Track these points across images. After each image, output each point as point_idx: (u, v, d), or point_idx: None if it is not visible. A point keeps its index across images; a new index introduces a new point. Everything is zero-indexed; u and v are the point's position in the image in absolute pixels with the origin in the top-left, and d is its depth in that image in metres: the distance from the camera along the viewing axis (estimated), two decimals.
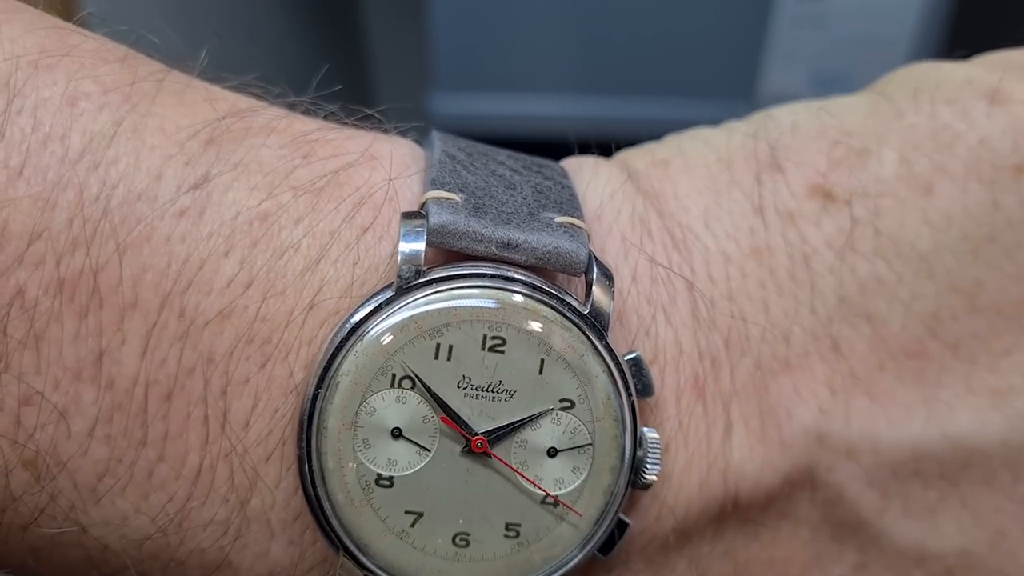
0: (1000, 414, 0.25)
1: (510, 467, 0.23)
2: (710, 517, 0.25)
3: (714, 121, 0.30)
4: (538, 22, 0.92)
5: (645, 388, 0.24)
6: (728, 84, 1.01)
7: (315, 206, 0.24)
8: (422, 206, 0.24)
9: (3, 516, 0.23)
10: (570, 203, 0.26)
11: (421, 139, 0.29)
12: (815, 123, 0.28)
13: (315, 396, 0.23)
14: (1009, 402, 0.25)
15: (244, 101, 0.26)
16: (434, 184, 0.25)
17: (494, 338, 0.23)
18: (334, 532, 0.23)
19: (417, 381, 0.23)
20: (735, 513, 0.25)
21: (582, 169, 0.29)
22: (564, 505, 0.24)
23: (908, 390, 0.25)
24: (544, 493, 0.24)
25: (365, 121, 0.28)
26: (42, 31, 0.24)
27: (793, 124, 0.28)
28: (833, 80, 0.98)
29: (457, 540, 0.23)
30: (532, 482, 0.24)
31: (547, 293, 0.24)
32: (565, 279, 0.25)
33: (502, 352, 0.23)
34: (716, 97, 1.01)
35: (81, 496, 0.23)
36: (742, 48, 0.95)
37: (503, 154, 0.29)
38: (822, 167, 0.26)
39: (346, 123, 0.28)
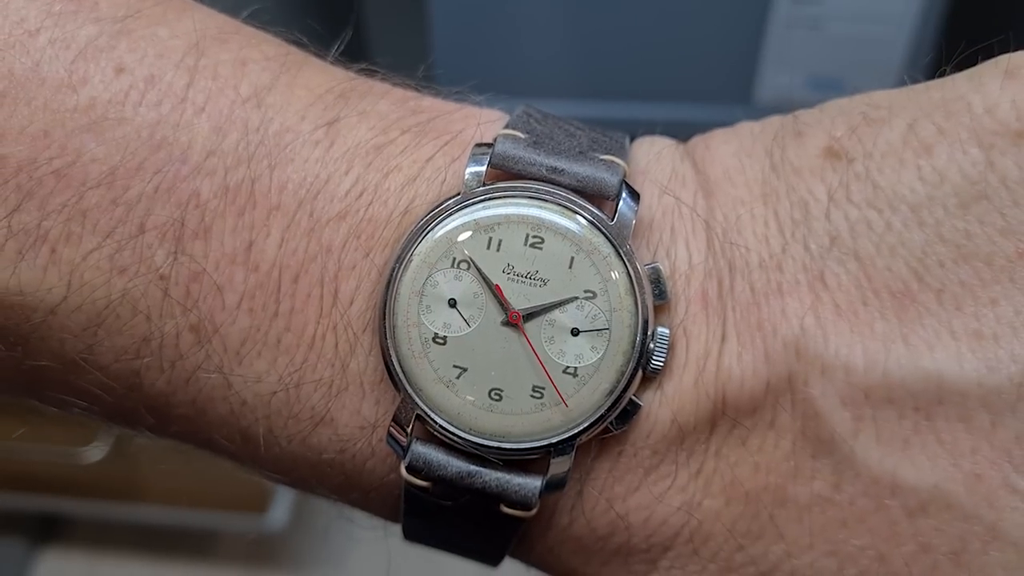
0: (978, 356, 0.26)
1: (531, 347, 0.29)
2: (704, 414, 0.29)
3: (710, 125, 0.33)
4: (537, 27, 0.95)
5: (660, 294, 0.29)
6: (724, 87, 1.00)
7: (417, 142, 0.32)
8: (494, 140, 0.31)
9: (173, 370, 0.30)
10: (618, 149, 0.32)
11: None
12: (844, 100, 0.32)
13: (393, 270, 0.29)
14: (990, 347, 0.26)
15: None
16: (507, 127, 0.32)
17: (534, 237, 0.29)
18: (398, 376, 0.29)
19: (472, 264, 0.29)
20: (725, 415, 0.29)
21: (643, 140, 0.35)
22: (557, 393, 0.29)
23: (887, 324, 0.27)
24: (547, 375, 0.29)
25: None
26: (218, 16, 0.33)
27: (825, 103, 0.32)
28: (830, 83, 0.96)
29: (492, 394, 0.29)
30: (540, 362, 0.29)
31: (582, 206, 0.30)
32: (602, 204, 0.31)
33: (540, 248, 0.29)
34: (712, 100, 1.00)
35: (228, 357, 0.30)
36: (738, 51, 0.94)
37: (577, 122, 0.35)
38: (837, 133, 0.30)
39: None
